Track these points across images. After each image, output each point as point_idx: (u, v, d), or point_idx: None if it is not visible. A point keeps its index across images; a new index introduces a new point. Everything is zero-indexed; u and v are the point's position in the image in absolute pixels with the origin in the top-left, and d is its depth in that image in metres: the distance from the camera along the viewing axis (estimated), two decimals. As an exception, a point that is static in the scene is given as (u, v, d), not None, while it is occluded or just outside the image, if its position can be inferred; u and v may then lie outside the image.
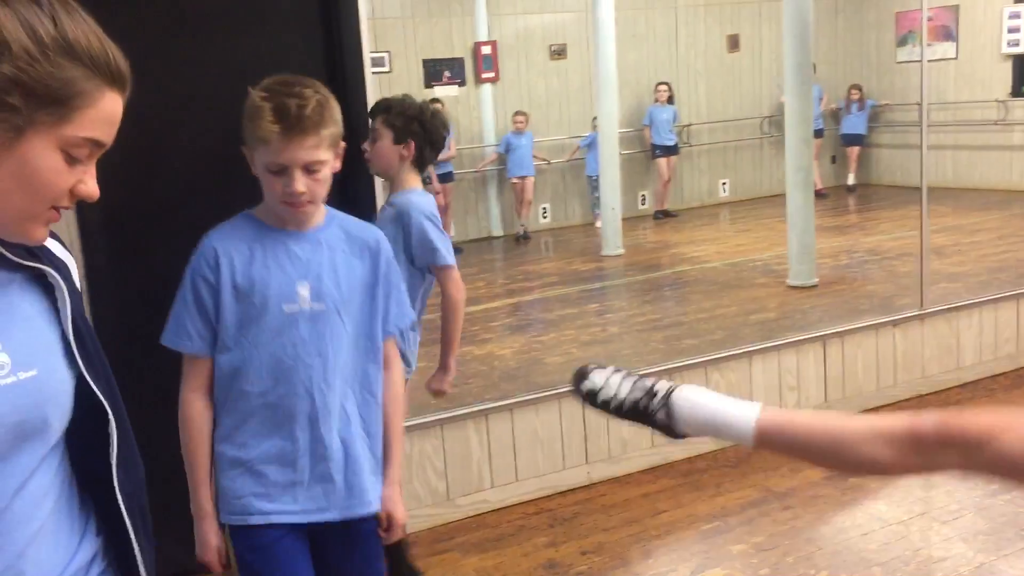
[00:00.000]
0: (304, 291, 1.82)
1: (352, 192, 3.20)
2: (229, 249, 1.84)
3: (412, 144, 2.77)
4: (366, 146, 2.81)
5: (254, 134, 1.77)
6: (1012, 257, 6.97)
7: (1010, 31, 10.09)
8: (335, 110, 1.81)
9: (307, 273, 1.83)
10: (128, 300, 2.91)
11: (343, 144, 1.86)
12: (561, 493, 3.78)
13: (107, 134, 1.02)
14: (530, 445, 3.75)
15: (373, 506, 1.93)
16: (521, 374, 4.96)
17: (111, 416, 1.10)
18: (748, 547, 3.26)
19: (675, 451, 4.04)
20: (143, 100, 2.60)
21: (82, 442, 1.10)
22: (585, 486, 3.84)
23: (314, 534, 1.93)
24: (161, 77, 3.01)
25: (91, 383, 1.08)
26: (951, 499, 3.54)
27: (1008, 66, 10.19)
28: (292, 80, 1.79)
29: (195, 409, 1.89)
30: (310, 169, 1.76)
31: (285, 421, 1.84)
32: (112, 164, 3.18)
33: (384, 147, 2.77)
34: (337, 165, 1.85)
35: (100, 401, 1.09)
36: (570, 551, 3.32)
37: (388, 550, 2.96)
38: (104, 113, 1.00)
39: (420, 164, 2.83)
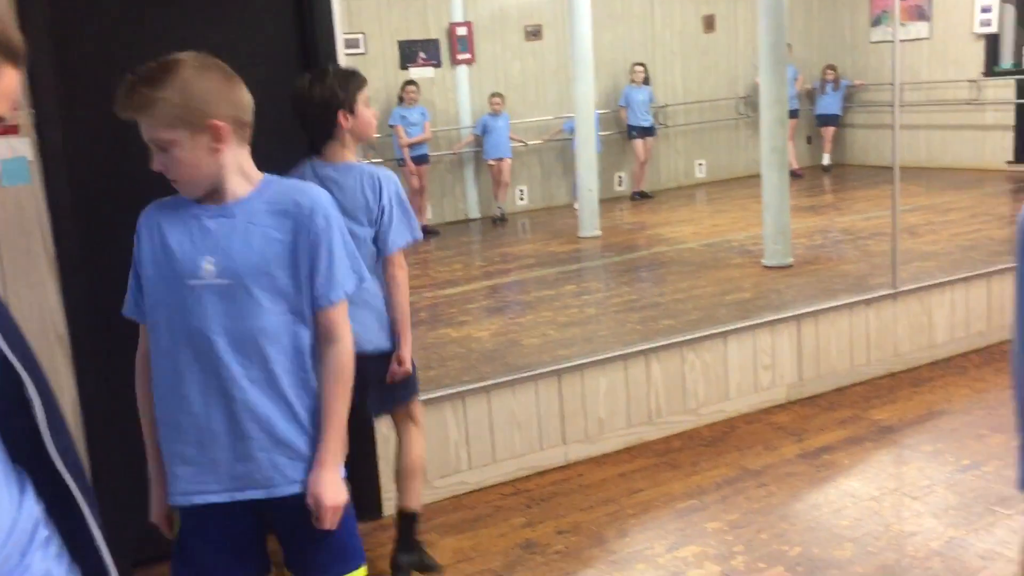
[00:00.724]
0: (209, 265, 1.79)
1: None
2: (151, 224, 1.86)
3: (351, 120, 2.79)
4: (367, 113, 2.79)
5: None
6: (983, 236, 7.05)
7: (983, 10, 10.15)
8: (179, 89, 1.72)
9: (215, 247, 1.80)
10: (100, 286, 2.88)
11: (216, 123, 1.75)
12: (539, 473, 3.81)
13: (8, 109, 1.05)
14: (507, 426, 3.77)
15: (296, 487, 1.86)
16: (498, 356, 4.97)
17: (28, 381, 1.12)
18: (723, 525, 3.30)
19: (651, 431, 4.07)
20: (115, 83, 2.57)
21: (6, 412, 1.13)
22: (562, 466, 3.87)
23: (264, 509, 1.89)
24: (132, 61, 2.97)
25: (6, 350, 1.11)
26: (922, 475, 3.59)
27: (981, 46, 10.26)
28: (154, 62, 1.77)
29: (137, 373, 1.94)
30: (161, 148, 1.76)
31: (200, 399, 1.82)
32: (83, 148, 3.16)
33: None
34: (217, 146, 1.77)
35: (15, 369, 1.12)
36: (547, 531, 3.34)
37: (397, 528, 3.01)
38: (6, 89, 1.03)
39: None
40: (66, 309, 2.88)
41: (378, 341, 2.79)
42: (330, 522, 1.85)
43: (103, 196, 2.97)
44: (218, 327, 1.79)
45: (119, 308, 1.95)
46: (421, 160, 9.06)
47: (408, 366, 2.86)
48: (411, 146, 8.97)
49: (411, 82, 9.07)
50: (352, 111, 2.74)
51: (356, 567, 1.96)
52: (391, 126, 8.98)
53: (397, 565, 2.99)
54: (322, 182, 2.62)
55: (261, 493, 1.85)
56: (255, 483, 1.85)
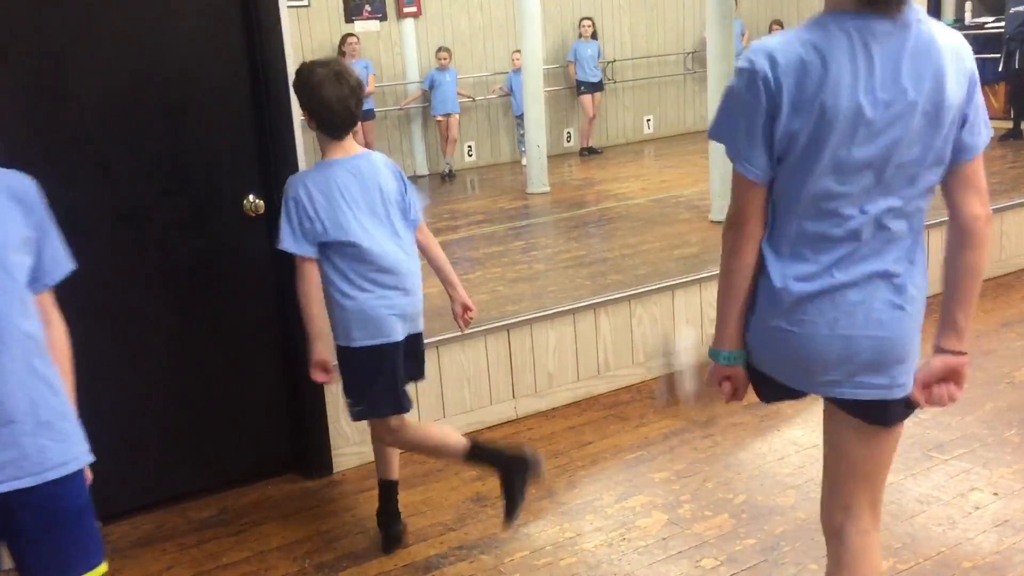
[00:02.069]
0: None
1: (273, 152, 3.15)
2: None
3: (306, 115, 2.78)
4: None
5: None
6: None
7: (926, -33, 10.25)
8: None
9: None
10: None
11: None
12: (489, 428, 3.83)
13: None
14: (457, 382, 3.78)
15: (68, 468, 1.79)
16: (447, 312, 4.95)
17: None
18: (670, 475, 3.35)
19: (600, 385, 4.11)
20: (51, 36, 2.51)
21: None
22: (512, 420, 3.89)
23: (9, 509, 1.75)
24: (68, 15, 2.88)
25: None
26: (863, 423, 3.68)
27: (923, 2, 10.36)
28: None
29: None
30: None
31: None
32: (17, 101, 3.05)
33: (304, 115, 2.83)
34: None
35: None
36: (497, 484, 3.35)
37: (380, 492, 3.00)
38: None
39: (326, 131, 2.76)
40: None
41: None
42: None
43: (38, 149, 2.89)
44: None
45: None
46: (366, 115, 8.91)
47: None
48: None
49: (351, 34, 8.90)
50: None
51: (98, 564, 1.87)
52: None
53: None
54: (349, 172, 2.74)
55: (32, 481, 1.74)
56: (25, 472, 1.74)
